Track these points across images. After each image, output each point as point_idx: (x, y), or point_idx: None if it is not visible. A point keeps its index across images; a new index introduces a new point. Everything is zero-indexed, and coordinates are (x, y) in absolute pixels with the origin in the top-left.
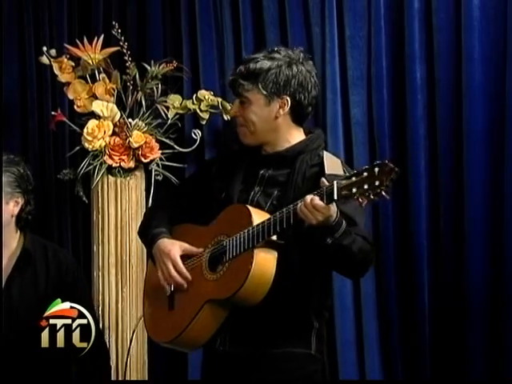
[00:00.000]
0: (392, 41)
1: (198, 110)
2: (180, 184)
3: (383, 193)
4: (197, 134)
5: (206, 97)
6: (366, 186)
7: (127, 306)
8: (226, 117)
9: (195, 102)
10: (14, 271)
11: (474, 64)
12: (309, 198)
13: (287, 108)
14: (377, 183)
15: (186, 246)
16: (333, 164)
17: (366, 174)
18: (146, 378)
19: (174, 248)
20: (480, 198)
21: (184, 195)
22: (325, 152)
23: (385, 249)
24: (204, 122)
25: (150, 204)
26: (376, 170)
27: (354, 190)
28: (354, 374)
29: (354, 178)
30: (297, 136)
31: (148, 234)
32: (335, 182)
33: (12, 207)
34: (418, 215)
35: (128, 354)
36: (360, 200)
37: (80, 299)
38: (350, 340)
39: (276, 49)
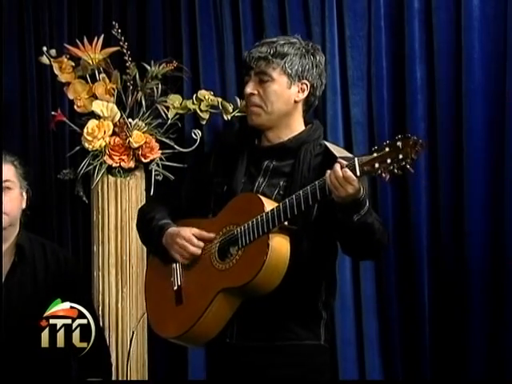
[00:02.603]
0: (392, 41)
1: (198, 110)
2: (175, 182)
3: (408, 166)
4: (197, 133)
5: (206, 97)
6: (389, 161)
7: (127, 306)
8: (226, 117)
9: (195, 101)
10: (11, 270)
11: (474, 64)
12: (338, 170)
13: (306, 93)
14: (401, 156)
15: (195, 230)
16: (339, 149)
17: (387, 148)
18: (146, 378)
19: (184, 229)
20: (480, 197)
21: (181, 193)
22: (326, 142)
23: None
24: (204, 122)
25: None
26: (399, 143)
27: (377, 166)
28: (354, 374)
29: (375, 154)
30: (299, 126)
31: (153, 227)
32: (356, 159)
33: (22, 199)
34: (418, 215)
35: (128, 355)
36: (383, 175)
37: (80, 297)
38: (349, 339)
39: (294, 37)
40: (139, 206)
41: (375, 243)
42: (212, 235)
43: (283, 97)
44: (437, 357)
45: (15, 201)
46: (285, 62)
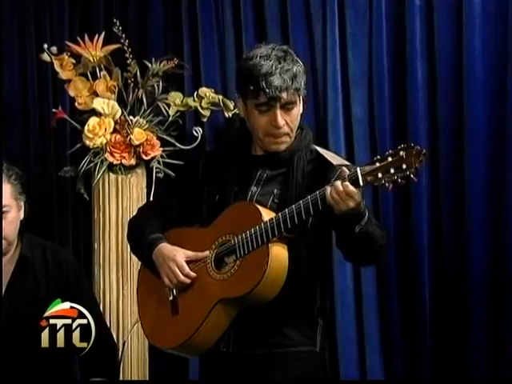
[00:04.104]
0: (393, 38)
1: (199, 108)
2: (165, 191)
3: (412, 176)
4: (198, 131)
5: (207, 94)
6: (392, 171)
7: (128, 303)
8: (227, 114)
9: (196, 99)
10: (13, 278)
11: (475, 61)
12: (339, 184)
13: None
14: (404, 166)
15: (189, 252)
16: (333, 155)
17: (390, 158)
18: (147, 376)
19: (179, 253)
20: (481, 196)
21: (171, 202)
22: (316, 147)
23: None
24: (205, 120)
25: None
26: (402, 153)
27: (380, 175)
28: (355, 372)
29: (377, 164)
30: None
31: (144, 241)
32: (358, 168)
33: (20, 213)
34: (419, 214)
35: (122, 351)
36: (386, 185)
37: (83, 299)
38: (350, 337)
39: (269, 48)
40: (140, 204)
41: (377, 250)
42: (207, 253)
43: (299, 116)
44: (437, 355)
45: (12, 223)
46: (300, 84)
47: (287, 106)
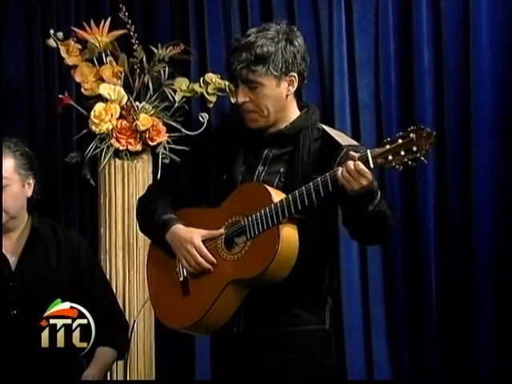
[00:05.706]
0: (400, 24)
1: (205, 93)
2: (175, 169)
3: (422, 158)
4: (204, 117)
5: (213, 80)
6: (402, 153)
7: (134, 288)
8: (233, 100)
9: (202, 84)
10: (25, 250)
11: (482, 47)
12: (351, 163)
13: (296, 84)
14: (414, 148)
15: (204, 231)
16: (340, 135)
17: (400, 140)
18: (153, 360)
19: (195, 235)
20: (488, 181)
21: (181, 182)
22: (323, 125)
23: (392, 232)
24: (211, 105)
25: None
26: (412, 135)
27: (390, 158)
28: (361, 358)
29: (388, 146)
30: (295, 112)
31: (156, 221)
32: (369, 151)
33: (26, 189)
34: (426, 199)
35: (131, 334)
36: (397, 167)
37: (97, 280)
38: (356, 323)
39: (265, 26)
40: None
41: (387, 228)
42: (222, 231)
43: (275, 97)
44: (444, 340)
45: (14, 197)
46: (268, 66)
47: (249, 85)
